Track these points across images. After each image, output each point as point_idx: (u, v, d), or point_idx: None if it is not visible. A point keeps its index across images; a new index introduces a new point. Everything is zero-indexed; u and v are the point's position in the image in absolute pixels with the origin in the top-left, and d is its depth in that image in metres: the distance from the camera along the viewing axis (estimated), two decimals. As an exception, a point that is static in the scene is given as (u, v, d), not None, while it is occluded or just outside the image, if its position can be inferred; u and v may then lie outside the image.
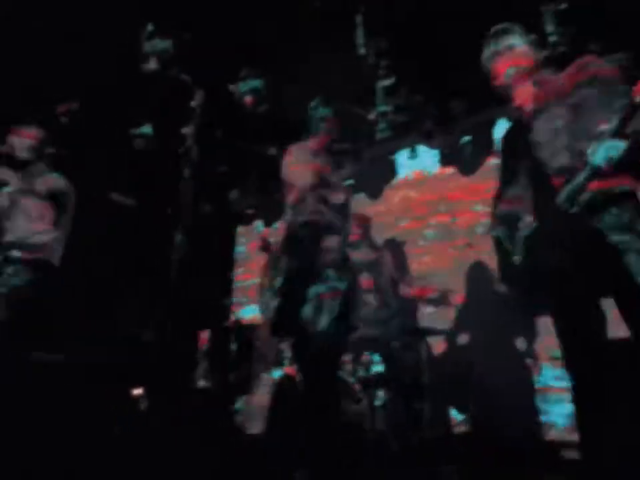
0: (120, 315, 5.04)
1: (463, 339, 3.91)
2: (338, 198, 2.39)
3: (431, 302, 3.89)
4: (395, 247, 4.56)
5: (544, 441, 3.33)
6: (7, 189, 2.83)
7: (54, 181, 2.87)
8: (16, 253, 2.71)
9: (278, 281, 2.37)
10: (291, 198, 2.44)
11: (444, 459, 3.20)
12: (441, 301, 3.87)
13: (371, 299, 3.72)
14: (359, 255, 3.79)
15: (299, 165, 2.40)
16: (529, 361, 3.59)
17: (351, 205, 2.57)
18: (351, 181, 5.16)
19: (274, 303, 2.36)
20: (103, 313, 4.81)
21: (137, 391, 3.93)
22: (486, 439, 3.25)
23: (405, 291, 3.77)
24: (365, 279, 3.75)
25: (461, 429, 3.52)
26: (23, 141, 2.87)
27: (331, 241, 2.38)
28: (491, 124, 4.49)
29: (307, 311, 2.35)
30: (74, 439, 2.74)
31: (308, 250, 2.34)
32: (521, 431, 3.36)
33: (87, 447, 2.75)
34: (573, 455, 2.81)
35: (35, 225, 2.75)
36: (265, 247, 2.67)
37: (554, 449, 3.15)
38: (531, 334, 3.61)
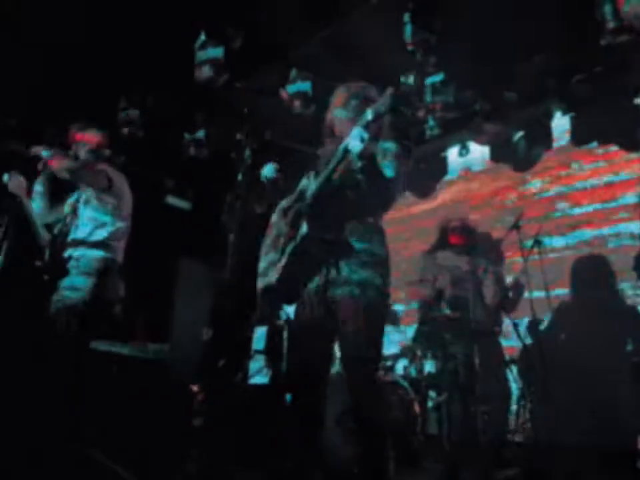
0: (179, 313, 5.21)
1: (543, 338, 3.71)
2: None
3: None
4: (493, 244, 4.23)
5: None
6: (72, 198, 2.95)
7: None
8: (79, 251, 2.78)
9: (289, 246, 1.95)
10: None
11: (499, 464, 3.12)
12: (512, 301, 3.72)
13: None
14: (459, 263, 3.70)
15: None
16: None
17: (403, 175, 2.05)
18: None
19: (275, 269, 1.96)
20: (163, 311, 4.99)
21: (194, 387, 4.07)
22: (554, 445, 3.06)
23: (490, 297, 3.60)
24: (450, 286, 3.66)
25: (521, 433, 3.39)
26: (83, 143, 2.96)
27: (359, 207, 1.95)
28: (547, 116, 4.35)
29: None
30: (133, 432, 2.87)
31: (332, 211, 1.93)
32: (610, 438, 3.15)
33: (144, 439, 2.88)
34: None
35: (95, 222, 2.83)
36: None
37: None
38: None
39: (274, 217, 2.12)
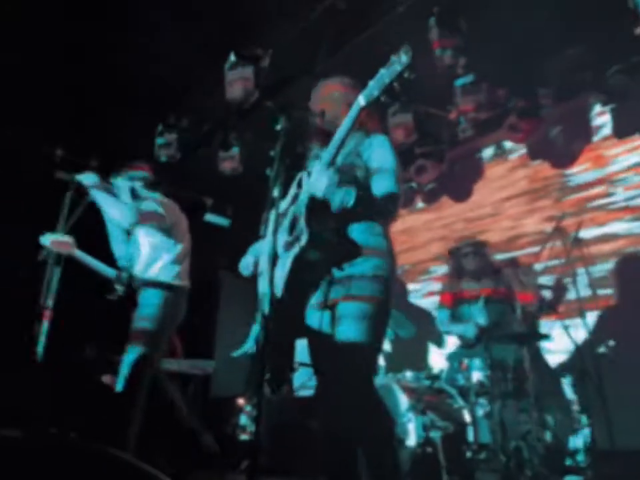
0: (223, 327, 5.32)
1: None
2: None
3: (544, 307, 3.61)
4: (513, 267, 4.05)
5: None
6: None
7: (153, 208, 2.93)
8: (142, 286, 2.83)
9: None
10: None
11: (559, 471, 3.01)
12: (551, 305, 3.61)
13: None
14: (477, 289, 3.64)
15: None
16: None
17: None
18: (433, 184, 5.07)
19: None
20: (205, 326, 5.10)
21: (240, 401, 4.13)
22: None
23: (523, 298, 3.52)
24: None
25: (580, 439, 3.25)
26: (133, 173, 3.04)
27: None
28: (584, 110, 4.22)
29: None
30: (182, 445, 2.94)
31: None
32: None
33: (191, 452, 2.95)
34: None
35: (151, 255, 2.87)
36: None
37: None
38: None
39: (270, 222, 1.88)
